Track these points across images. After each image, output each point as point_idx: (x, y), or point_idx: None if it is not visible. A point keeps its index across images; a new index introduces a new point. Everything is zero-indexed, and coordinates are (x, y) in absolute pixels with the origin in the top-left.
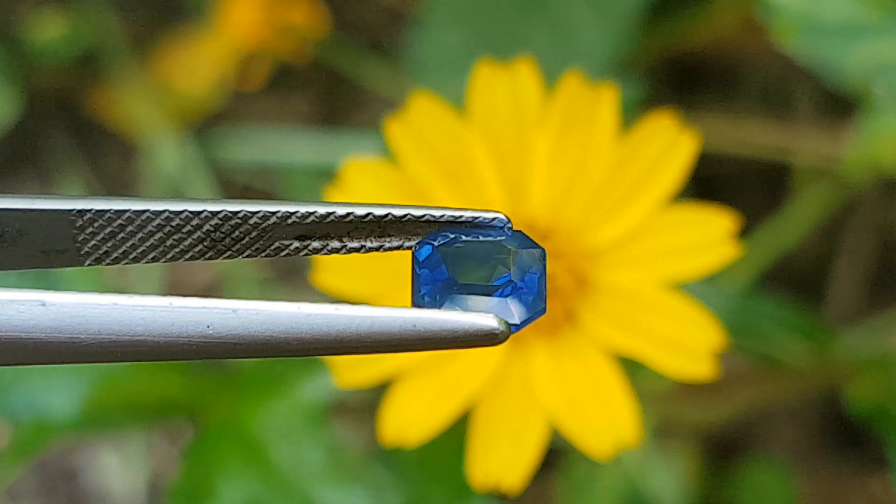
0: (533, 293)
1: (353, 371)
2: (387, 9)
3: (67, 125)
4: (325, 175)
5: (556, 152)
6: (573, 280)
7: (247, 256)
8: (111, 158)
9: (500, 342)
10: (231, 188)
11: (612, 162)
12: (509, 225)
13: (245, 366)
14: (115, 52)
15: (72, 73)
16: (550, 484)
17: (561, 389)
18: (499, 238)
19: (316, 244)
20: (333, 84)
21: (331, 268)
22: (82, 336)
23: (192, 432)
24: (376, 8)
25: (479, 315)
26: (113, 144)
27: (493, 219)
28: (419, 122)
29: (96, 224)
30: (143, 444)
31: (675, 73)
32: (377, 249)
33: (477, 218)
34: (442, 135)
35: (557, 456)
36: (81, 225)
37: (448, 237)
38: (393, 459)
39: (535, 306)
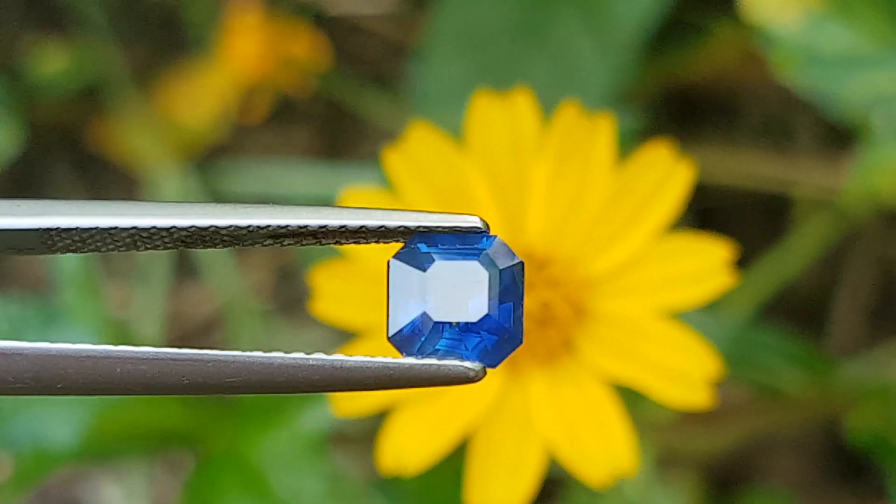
0: (509, 327)
1: (352, 400)
2: (388, 41)
3: (70, 158)
4: None
5: (554, 182)
6: (571, 309)
7: (220, 248)
8: (114, 191)
9: (476, 381)
10: None
11: (610, 191)
12: (487, 231)
13: (245, 396)
14: (117, 85)
15: (74, 106)
16: None
17: (558, 418)
18: (477, 247)
19: (290, 241)
20: (335, 116)
21: (329, 297)
22: (58, 386)
23: (193, 462)
24: (377, 41)
25: (453, 362)
26: (115, 177)
27: (471, 227)
28: (417, 152)
29: (64, 235)
30: (145, 476)
31: (676, 104)
32: (353, 243)
33: (455, 227)
34: (440, 164)
35: (557, 487)
36: (50, 237)
37: (425, 250)
38: (392, 488)
39: (512, 342)
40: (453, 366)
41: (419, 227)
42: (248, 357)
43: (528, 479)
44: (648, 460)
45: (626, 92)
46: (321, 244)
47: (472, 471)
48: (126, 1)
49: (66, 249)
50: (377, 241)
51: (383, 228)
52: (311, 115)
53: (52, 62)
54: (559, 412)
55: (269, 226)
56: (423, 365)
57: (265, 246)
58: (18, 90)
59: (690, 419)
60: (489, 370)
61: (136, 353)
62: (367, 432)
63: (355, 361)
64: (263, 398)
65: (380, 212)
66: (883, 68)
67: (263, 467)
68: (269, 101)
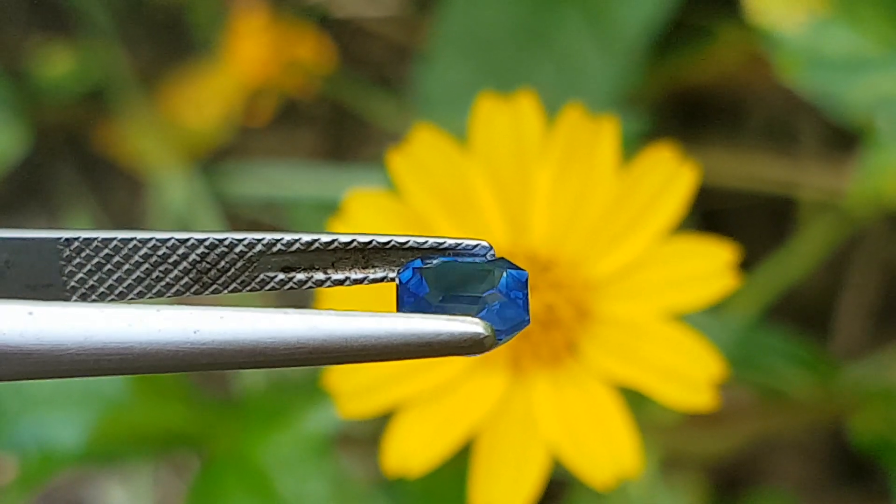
0: (517, 305)
1: (356, 401)
2: (392, 44)
3: (75, 160)
4: (332, 209)
5: (557, 184)
6: (574, 311)
7: (232, 290)
8: (119, 194)
9: (487, 349)
10: (238, 223)
11: (613, 194)
12: (492, 252)
13: (250, 396)
14: (122, 87)
15: (79, 108)
16: None
17: (562, 419)
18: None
19: (300, 276)
20: (340, 119)
21: (333, 300)
22: (69, 345)
23: (198, 464)
24: (382, 43)
25: (464, 320)
26: (121, 180)
27: (476, 246)
28: (421, 155)
29: (83, 254)
30: (150, 478)
31: (680, 107)
32: (361, 281)
33: (460, 245)
34: (444, 167)
35: (561, 489)
36: (69, 255)
37: (431, 261)
38: (396, 490)
39: (520, 316)
40: (464, 326)
41: (427, 242)
42: (261, 312)
43: (532, 480)
44: (652, 462)
45: (630, 94)
46: (330, 282)
47: (477, 472)
48: (131, 4)
49: (83, 288)
50: (384, 276)
51: (393, 244)
52: (316, 117)
53: (57, 65)
54: (563, 414)
55: (281, 239)
56: (434, 325)
57: (276, 288)
58: (24, 92)
59: (694, 421)
60: (493, 371)
61: (148, 309)
62: (371, 434)
63: (364, 316)
64: (267, 398)
65: (387, 234)
66: (887, 71)
67: (268, 469)
68: (274, 104)
